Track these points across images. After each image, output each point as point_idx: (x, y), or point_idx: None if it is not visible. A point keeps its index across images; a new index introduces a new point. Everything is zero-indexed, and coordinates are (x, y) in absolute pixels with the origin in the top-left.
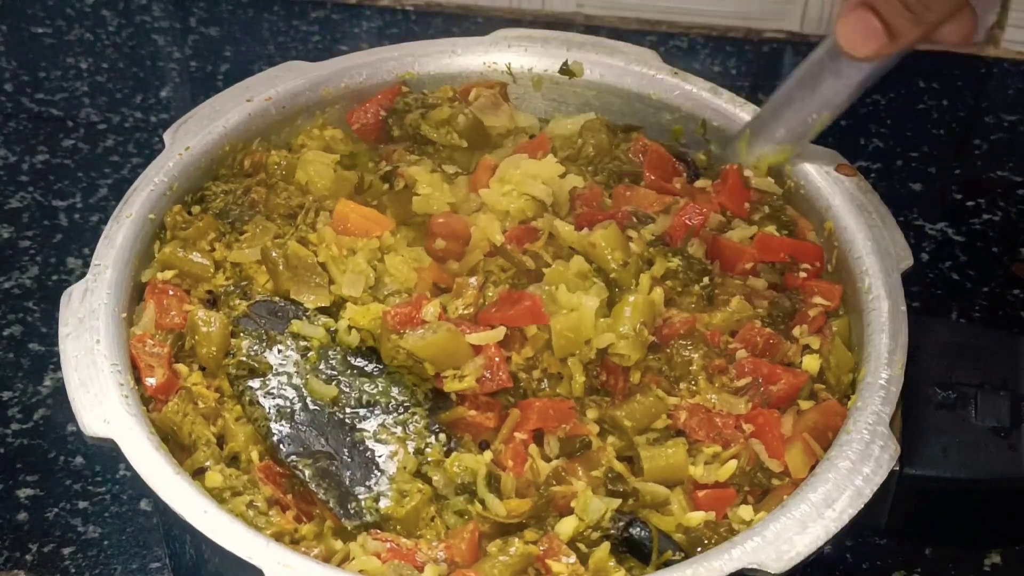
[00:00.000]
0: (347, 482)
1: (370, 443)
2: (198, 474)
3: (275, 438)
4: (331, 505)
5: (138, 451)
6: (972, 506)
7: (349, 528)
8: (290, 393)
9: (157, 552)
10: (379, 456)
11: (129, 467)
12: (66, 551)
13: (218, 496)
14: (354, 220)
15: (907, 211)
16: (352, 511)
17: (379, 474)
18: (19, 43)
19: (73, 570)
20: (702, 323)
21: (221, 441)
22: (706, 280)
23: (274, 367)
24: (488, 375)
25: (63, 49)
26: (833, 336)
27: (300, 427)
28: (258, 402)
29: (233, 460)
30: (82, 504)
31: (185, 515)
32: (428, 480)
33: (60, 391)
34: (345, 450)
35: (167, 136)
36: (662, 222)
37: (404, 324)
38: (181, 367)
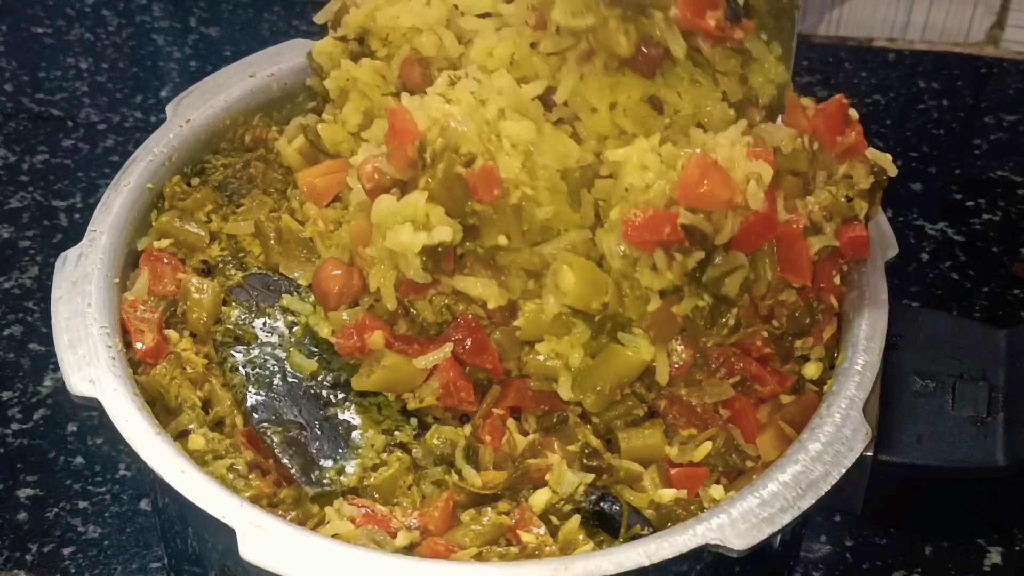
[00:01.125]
0: (313, 452)
1: (342, 418)
2: (181, 437)
3: (249, 404)
4: (294, 471)
5: (121, 411)
6: (946, 494)
7: (310, 494)
8: (271, 363)
9: (157, 552)
10: (349, 432)
11: (131, 466)
12: (66, 551)
13: (200, 459)
14: (320, 184)
15: (907, 211)
16: (314, 479)
17: (346, 449)
18: (19, 43)
19: (73, 570)
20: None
21: (207, 406)
22: (732, 321)
23: (259, 337)
24: (446, 393)
25: (63, 49)
26: (835, 340)
27: (275, 397)
28: (238, 368)
29: (218, 425)
30: (82, 504)
31: (163, 474)
32: (408, 450)
33: (60, 391)
34: (317, 423)
35: (169, 109)
36: (728, 229)
37: (351, 353)
38: (171, 333)
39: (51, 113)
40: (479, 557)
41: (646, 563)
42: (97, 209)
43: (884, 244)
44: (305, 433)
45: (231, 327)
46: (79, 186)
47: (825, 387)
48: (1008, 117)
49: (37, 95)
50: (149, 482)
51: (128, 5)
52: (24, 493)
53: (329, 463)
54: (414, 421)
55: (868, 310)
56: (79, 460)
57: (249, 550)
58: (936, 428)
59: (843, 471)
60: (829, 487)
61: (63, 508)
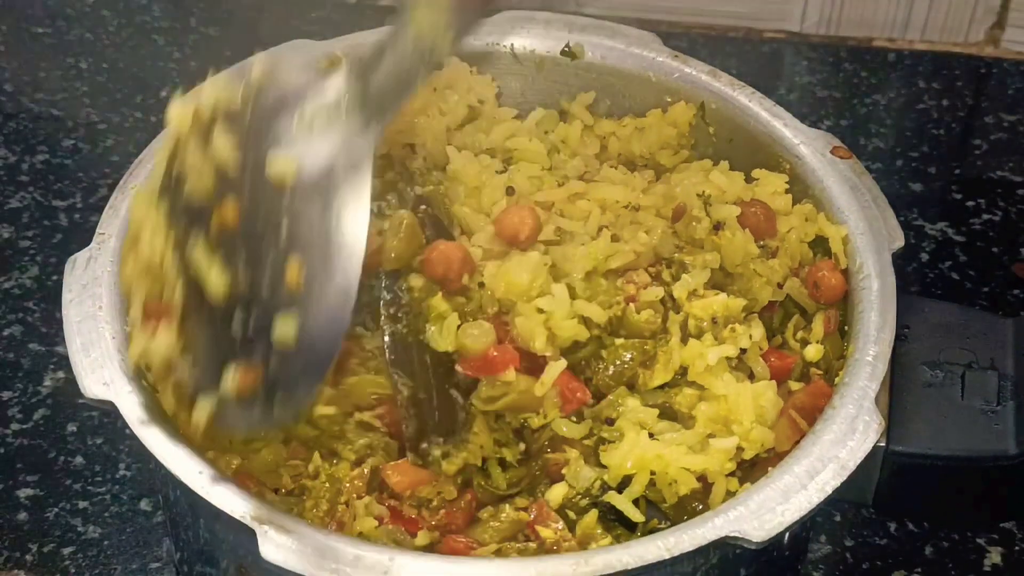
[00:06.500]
0: (429, 423)
1: (464, 404)
2: None
3: (387, 340)
4: (407, 431)
5: (136, 414)
6: (957, 484)
7: (410, 461)
8: (404, 330)
9: (157, 552)
10: (465, 421)
11: (131, 466)
12: (66, 551)
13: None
14: None
15: (907, 211)
16: (421, 449)
17: (458, 435)
18: (19, 43)
19: (73, 570)
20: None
21: None
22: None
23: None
24: (565, 400)
25: (63, 49)
26: (835, 326)
27: (405, 352)
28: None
29: None
30: (82, 504)
31: (181, 476)
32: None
33: (60, 391)
34: (441, 394)
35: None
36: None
37: (473, 376)
38: None
39: (51, 113)
40: (499, 553)
41: (665, 556)
42: (104, 212)
43: (892, 235)
44: (427, 398)
45: None
46: (79, 186)
47: (836, 379)
48: (1008, 117)
49: (37, 95)
50: (160, 481)
51: (128, 5)
52: (24, 493)
53: (440, 440)
54: (522, 446)
55: (877, 301)
56: (79, 460)
57: (269, 550)
58: (947, 418)
59: (858, 461)
60: (844, 478)
61: (63, 508)
